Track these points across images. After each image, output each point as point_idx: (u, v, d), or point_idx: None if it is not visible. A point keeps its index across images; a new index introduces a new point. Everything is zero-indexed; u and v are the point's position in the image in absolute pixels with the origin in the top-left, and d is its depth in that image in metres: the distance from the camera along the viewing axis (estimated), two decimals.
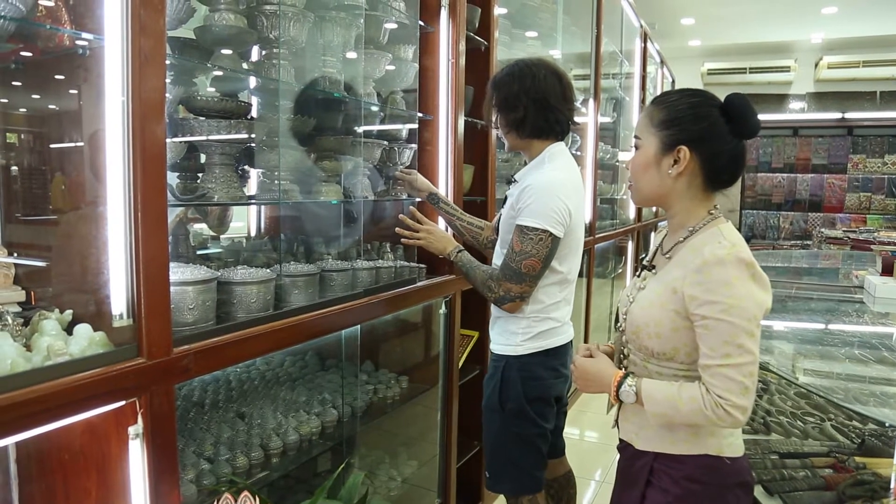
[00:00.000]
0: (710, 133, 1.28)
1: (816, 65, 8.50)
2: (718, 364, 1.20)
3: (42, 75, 1.47)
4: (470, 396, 2.90)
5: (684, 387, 1.25)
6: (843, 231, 6.68)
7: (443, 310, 2.57)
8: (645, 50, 6.41)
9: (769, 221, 8.55)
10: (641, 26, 6.14)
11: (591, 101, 4.54)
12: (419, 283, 2.34)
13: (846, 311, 2.65)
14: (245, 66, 1.94)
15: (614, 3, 5.10)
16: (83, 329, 1.28)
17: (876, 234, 6.45)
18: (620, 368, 1.40)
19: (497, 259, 2.05)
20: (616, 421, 1.49)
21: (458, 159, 2.54)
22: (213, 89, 2.01)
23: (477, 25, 2.71)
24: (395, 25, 2.35)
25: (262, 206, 2.50)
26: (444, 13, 2.43)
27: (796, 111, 8.65)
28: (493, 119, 1.99)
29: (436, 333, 2.70)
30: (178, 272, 1.47)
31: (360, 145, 2.17)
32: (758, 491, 1.60)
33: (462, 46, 2.50)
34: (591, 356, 1.45)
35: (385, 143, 2.33)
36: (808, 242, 7.74)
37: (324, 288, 1.96)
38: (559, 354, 2.00)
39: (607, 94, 5.29)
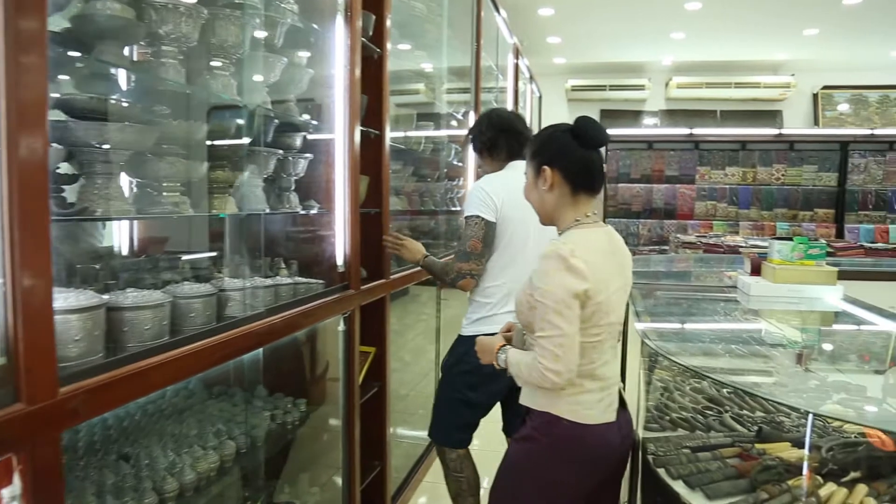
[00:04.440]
0: (561, 150, 1.63)
1: (667, 84, 9.22)
2: (539, 336, 1.52)
3: None
4: (371, 415, 2.79)
5: (527, 354, 1.59)
6: (696, 236, 7.24)
7: (341, 326, 2.45)
8: (517, 66, 6.62)
9: (630, 229, 9.12)
10: (514, 42, 6.34)
11: (471, 114, 4.60)
12: (320, 300, 2.21)
13: (724, 309, 2.85)
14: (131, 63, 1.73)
15: (490, 19, 5.21)
16: None
17: (723, 238, 7.06)
18: (524, 341, 1.70)
19: None
20: None
21: (354, 170, 2.44)
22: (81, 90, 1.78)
23: (371, 33, 2.64)
24: (288, 28, 2.22)
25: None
26: (339, 18, 2.33)
27: (650, 126, 9.33)
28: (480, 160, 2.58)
29: (332, 351, 2.57)
30: (59, 298, 1.27)
31: (258, 155, 2.02)
32: (679, 486, 1.66)
33: (359, 53, 2.41)
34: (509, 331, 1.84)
35: (280, 152, 2.19)
36: (666, 248, 8.34)
37: (221, 309, 1.80)
38: None
39: (484, 107, 5.40)
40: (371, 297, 2.67)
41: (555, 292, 1.49)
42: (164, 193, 1.73)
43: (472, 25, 4.51)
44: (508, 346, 1.70)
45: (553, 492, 1.62)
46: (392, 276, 2.93)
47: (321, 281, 2.38)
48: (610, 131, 9.63)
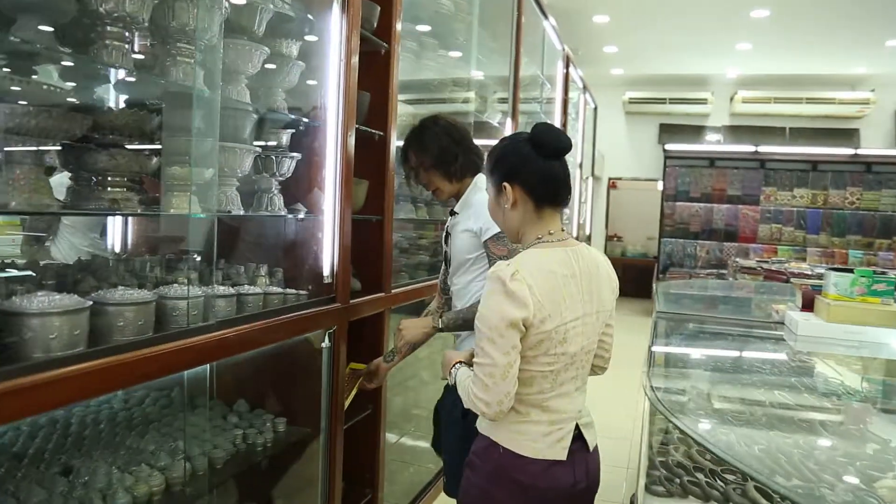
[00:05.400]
0: (519, 163, 1.49)
1: (731, 99, 8.73)
2: (474, 361, 1.44)
3: None
4: (358, 440, 2.58)
5: (470, 377, 1.47)
6: (757, 261, 6.73)
7: (325, 343, 2.25)
8: (567, 75, 6.34)
9: (686, 250, 8.65)
10: (564, 50, 6.06)
11: (508, 121, 4.36)
12: (292, 314, 2.01)
13: (763, 349, 2.49)
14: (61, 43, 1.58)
15: (536, 24, 4.97)
16: None
17: (787, 264, 6.54)
18: None
19: (462, 295, 2.09)
20: None
21: (348, 173, 2.25)
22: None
23: (375, 25, 2.45)
24: (273, 15, 2.05)
25: (109, 219, 2.13)
26: (336, 6, 2.15)
27: (713, 142, 8.85)
28: (427, 180, 2.14)
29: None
30: None
31: (228, 151, 1.85)
32: None
33: (356, 45, 2.23)
34: None
35: (258, 149, 2.01)
36: (724, 272, 7.83)
37: (164, 319, 1.63)
38: None
39: (528, 117, 5.14)
40: (365, 312, 2.47)
41: (490, 318, 1.39)
42: (109, 188, 1.58)
43: (512, 30, 4.27)
44: (463, 364, 1.58)
45: None
46: (395, 290, 2.72)
47: (303, 292, 2.19)
48: (669, 147, 9.22)
